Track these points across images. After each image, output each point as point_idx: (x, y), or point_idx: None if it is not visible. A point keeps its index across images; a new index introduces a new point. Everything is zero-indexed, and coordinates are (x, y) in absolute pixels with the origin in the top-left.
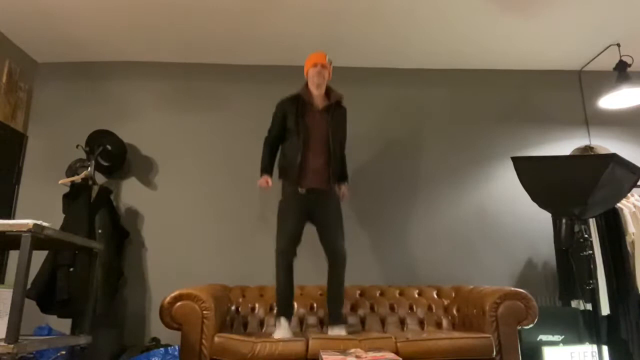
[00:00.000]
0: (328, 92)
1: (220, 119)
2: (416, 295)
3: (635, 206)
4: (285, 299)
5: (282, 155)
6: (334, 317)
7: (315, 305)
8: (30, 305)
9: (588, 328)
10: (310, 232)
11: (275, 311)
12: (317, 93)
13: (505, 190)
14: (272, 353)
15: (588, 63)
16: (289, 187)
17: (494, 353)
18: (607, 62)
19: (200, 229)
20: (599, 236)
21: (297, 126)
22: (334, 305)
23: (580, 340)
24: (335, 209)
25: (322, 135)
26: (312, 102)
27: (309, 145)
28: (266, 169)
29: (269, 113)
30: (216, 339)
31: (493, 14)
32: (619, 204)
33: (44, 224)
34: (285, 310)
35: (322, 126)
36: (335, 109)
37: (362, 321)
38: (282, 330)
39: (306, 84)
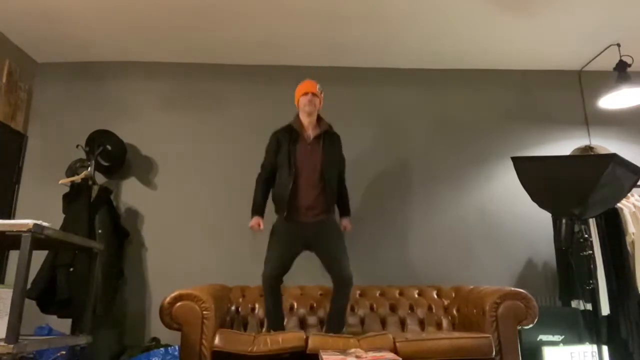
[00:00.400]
0: (319, 121)
1: (220, 119)
2: (416, 296)
3: (635, 206)
4: (275, 318)
5: (275, 188)
6: (333, 329)
7: (315, 305)
8: (30, 305)
9: (588, 328)
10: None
11: (265, 327)
12: (308, 122)
13: (505, 190)
14: (272, 347)
15: (588, 63)
16: (283, 217)
17: (494, 353)
18: (607, 62)
19: (200, 229)
20: (599, 236)
21: (288, 159)
22: (333, 323)
23: (580, 340)
24: (334, 235)
25: (315, 166)
26: (303, 133)
27: (300, 178)
28: (257, 211)
29: (268, 113)
30: (217, 334)
31: (493, 14)
32: (619, 204)
33: (44, 224)
34: (276, 326)
35: (314, 157)
36: (327, 137)
37: (362, 321)
38: None
39: (297, 115)
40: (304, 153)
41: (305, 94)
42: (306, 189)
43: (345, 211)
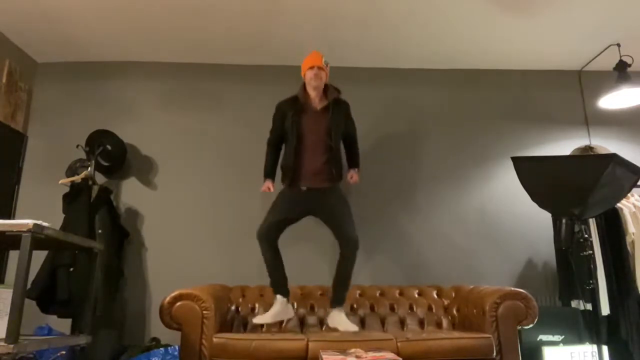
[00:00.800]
0: (326, 91)
1: (220, 118)
2: (416, 295)
3: (635, 206)
4: (277, 278)
5: (283, 157)
6: (336, 300)
7: (315, 305)
8: (30, 305)
9: (588, 328)
10: (308, 230)
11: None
12: (314, 94)
13: (505, 190)
14: (272, 351)
15: (588, 63)
16: (287, 184)
17: (494, 353)
18: (607, 62)
19: (200, 229)
20: (599, 236)
21: (293, 128)
22: (339, 289)
23: (580, 340)
24: (339, 201)
25: (320, 135)
26: (309, 103)
27: (306, 147)
28: (268, 174)
29: (268, 113)
30: (215, 339)
31: (493, 14)
32: (619, 204)
33: (44, 224)
34: (280, 289)
35: (320, 126)
36: (334, 106)
37: (362, 321)
38: (278, 306)
39: (303, 85)
40: (309, 123)
41: (312, 67)
42: (311, 158)
43: (353, 163)
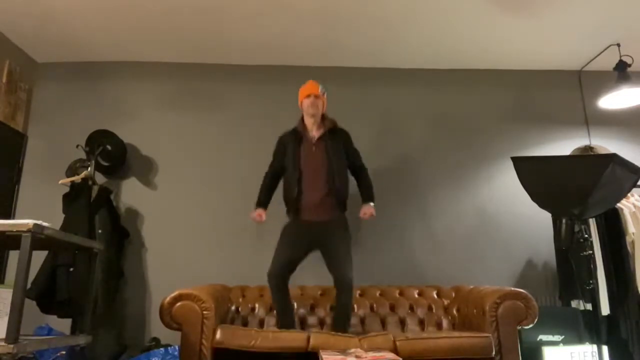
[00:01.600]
0: (323, 120)
1: (220, 119)
2: (416, 295)
3: (635, 206)
4: (286, 322)
5: (283, 190)
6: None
7: (315, 305)
8: (30, 305)
9: (588, 328)
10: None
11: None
12: (311, 123)
13: (505, 190)
14: (274, 343)
15: (588, 63)
16: (291, 217)
17: (494, 353)
18: (607, 62)
19: (200, 229)
20: (599, 236)
21: (293, 160)
22: (340, 320)
23: (580, 340)
24: (340, 238)
25: (320, 166)
26: (307, 134)
27: (307, 179)
28: (261, 203)
29: (268, 113)
30: (218, 330)
31: (493, 14)
32: (619, 204)
33: (44, 224)
34: (286, 326)
35: (319, 157)
36: (331, 135)
37: (362, 321)
38: None
39: (302, 117)
40: (308, 154)
41: (308, 96)
42: (312, 189)
43: (365, 197)
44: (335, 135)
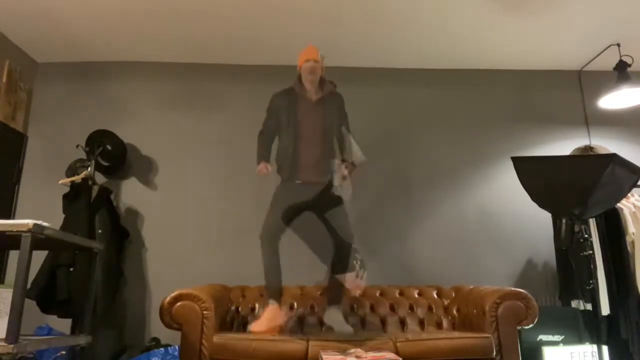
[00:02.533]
0: (322, 83)
1: (220, 118)
2: (416, 295)
3: (635, 206)
4: (275, 284)
5: (277, 149)
6: (332, 300)
7: (315, 305)
8: (30, 305)
9: (588, 328)
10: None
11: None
12: (310, 87)
13: (505, 190)
14: (272, 352)
15: (588, 63)
16: (284, 179)
17: (494, 353)
18: (607, 62)
19: (200, 229)
20: (599, 236)
21: (289, 120)
22: (334, 290)
23: (580, 340)
24: (334, 197)
25: (316, 127)
26: (305, 95)
27: (302, 139)
28: (263, 157)
29: None
30: (215, 339)
31: (493, 14)
32: (619, 204)
33: (44, 224)
34: (275, 296)
35: (316, 118)
36: (329, 99)
37: (362, 321)
38: (272, 312)
39: (299, 77)
40: (305, 115)
41: (307, 61)
42: (307, 150)
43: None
44: (333, 98)
